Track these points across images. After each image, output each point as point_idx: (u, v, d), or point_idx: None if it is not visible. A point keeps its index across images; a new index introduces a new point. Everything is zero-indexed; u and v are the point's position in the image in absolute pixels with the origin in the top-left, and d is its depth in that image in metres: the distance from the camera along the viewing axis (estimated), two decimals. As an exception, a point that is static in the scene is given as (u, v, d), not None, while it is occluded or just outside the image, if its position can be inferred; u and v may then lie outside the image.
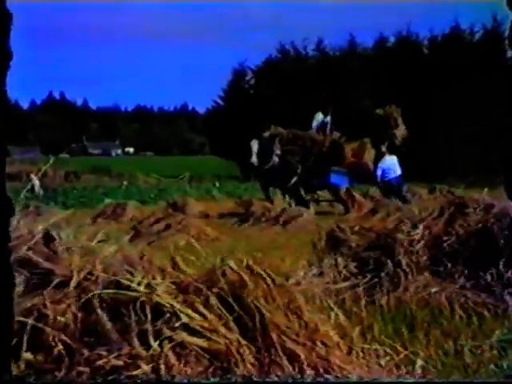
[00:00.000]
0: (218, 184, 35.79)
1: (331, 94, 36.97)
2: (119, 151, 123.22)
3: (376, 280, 4.46)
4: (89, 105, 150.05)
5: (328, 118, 16.48)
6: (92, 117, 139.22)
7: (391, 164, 16.19)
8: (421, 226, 4.49)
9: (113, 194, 29.26)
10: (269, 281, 4.04)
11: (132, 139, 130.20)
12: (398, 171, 16.29)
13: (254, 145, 14.90)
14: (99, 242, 4.31)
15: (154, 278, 4.05)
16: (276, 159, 15.09)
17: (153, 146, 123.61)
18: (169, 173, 49.91)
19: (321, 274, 4.44)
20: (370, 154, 16.40)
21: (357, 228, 4.80)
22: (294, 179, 15.39)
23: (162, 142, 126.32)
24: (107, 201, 19.79)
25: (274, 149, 15.14)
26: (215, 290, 3.98)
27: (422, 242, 4.45)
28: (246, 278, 4.02)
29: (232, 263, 4.11)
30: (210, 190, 31.44)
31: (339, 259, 4.51)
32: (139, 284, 3.97)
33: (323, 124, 16.46)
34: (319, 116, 16.24)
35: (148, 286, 3.99)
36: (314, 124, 16.28)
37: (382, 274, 4.45)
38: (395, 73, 42.47)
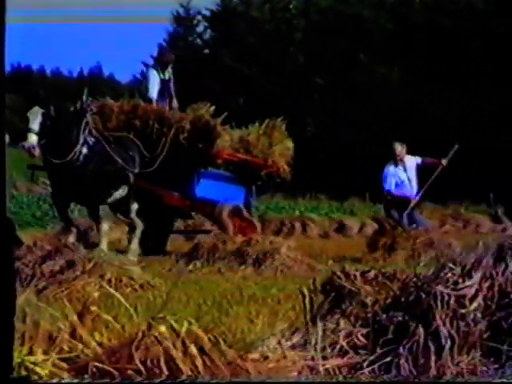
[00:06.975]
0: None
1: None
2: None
3: (390, 358, 2.71)
4: None
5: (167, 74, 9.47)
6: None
7: (399, 171, 9.86)
8: (477, 275, 2.73)
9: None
10: (216, 357, 2.40)
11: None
12: (415, 181, 9.93)
13: (35, 115, 7.71)
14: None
15: (30, 353, 2.53)
16: (83, 149, 8.05)
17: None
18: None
19: (305, 345, 2.83)
20: (283, 146, 9.37)
21: (372, 274, 3.12)
22: (123, 190, 8.53)
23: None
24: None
25: (80, 131, 8.06)
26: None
27: (479, 301, 2.68)
28: (175, 354, 2.38)
29: (162, 329, 2.51)
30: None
31: (341, 322, 2.82)
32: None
33: (163, 87, 9.36)
34: None
35: (19, 366, 2.48)
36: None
37: (401, 350, 2.69)
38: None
